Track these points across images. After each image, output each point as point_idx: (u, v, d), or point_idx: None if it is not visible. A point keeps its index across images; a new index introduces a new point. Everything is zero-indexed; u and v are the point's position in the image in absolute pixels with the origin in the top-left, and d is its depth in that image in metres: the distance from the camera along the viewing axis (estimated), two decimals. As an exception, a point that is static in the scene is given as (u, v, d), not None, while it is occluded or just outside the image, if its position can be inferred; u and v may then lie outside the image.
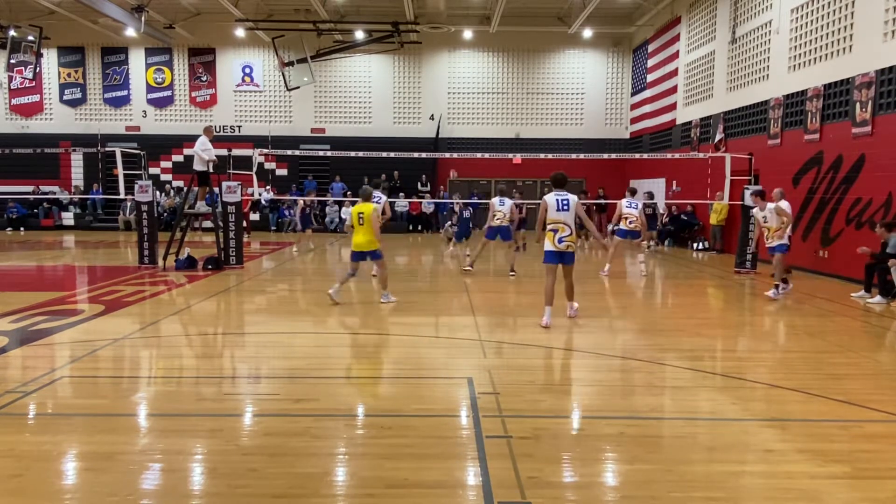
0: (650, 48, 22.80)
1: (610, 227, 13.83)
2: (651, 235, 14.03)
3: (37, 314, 8.46)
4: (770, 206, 10.66)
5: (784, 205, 12.24)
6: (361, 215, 9.41)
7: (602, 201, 21.91)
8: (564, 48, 25.03)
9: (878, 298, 9.79)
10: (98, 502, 3.54)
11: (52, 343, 7.01)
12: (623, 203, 12.80)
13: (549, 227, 7.87)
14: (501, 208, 12.04)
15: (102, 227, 24.08)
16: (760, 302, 10.37)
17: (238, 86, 25.36)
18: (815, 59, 13.24)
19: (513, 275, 12.20)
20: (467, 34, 24.09)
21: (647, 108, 23.19)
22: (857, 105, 11.74)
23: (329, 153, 21.35)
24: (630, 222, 12.55)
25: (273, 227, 23.97)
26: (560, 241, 7.86)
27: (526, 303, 9.89)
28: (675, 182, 20.18)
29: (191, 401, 5.25)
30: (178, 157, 25.08)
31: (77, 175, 25.57)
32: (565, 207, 7.94)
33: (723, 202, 15.59)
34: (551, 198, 8.01)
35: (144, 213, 13.16)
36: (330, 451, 4.26)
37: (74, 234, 22.42)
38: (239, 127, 25.31)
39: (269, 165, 25.16)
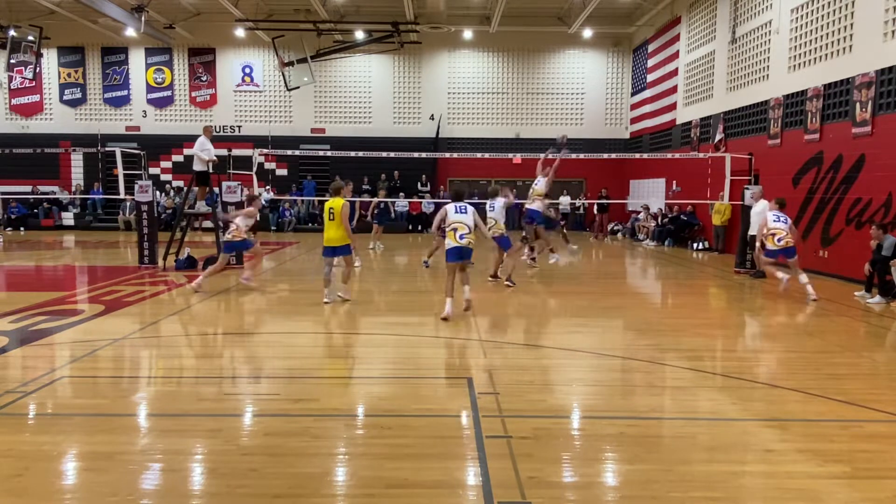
0: (650, 48, 22.80)
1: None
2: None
3: (37, 314, 8.46)
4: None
5: (758, 209, 12.27)
6: (332, 210, 9.36)
7: (604, 202, 21.91)
8: (564, 48, 25.03)
9: (877, 298, 9.79)
10: (98, 502, 3.54)
11: (52, 343, 7.01)
12: (770, 216, 10.45)
13: (449, 227, 8.69)
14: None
15: (102, 227, 24.09)
16: (761, 302, 10.37)
17: (238, 86, 25.36)
18: (815, 59, 13.24)
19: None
20: (467, 34, 24.10)
21: (647, 108, 23.19)
22: (857, 105, 11.74)
23: (329, 153, 21.36)
24: (779, 239, 10.13)
25: (273, 227, 23.98)
26: (461, 237, 8.61)
27: (526, 303, 9.90)
28: (675, 182, 20.19)
29: (191, 401, 5.25)
30: (178, 157, 25.09)
31: (77, 175, 25.58)
32: (463, 211, 8.81)
33: (725, 203, 15.59)
34: (450, 206, 8.87)
35: (144, 213, 13.16)
36: (330, 451, 4.26)
37: (74, 234, 22.43)
38: (239, 127, 25.31)
39: (269, 165, 25.17)
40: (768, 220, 10.36)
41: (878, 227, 10.07)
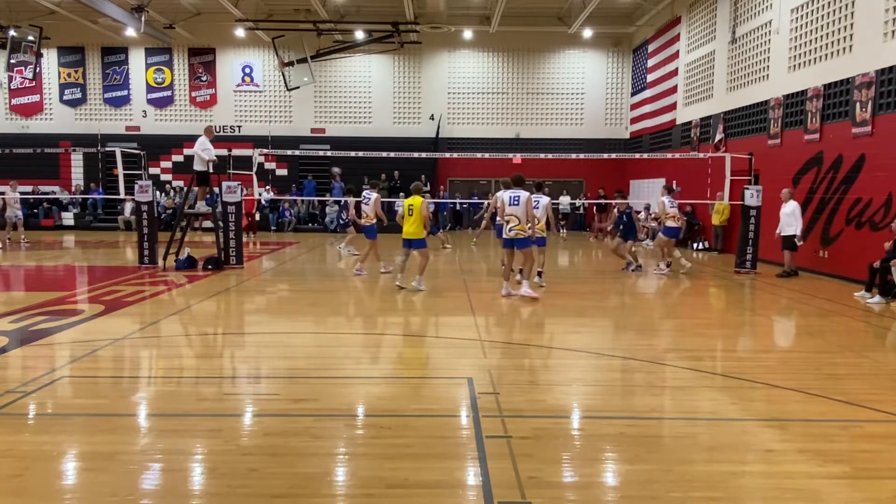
0: (650, 48, 22.80)
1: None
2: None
3: (37, 314, 8.46)
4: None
5: (787, 209, 12.40)
6: (411, 207, 10.43)
7: (603, 201, 21.91)
8: (564, 48, 25.03)
9: (877, 298, 9.79)
10: (98, 502, 3.54)
11: (52, 343, 7.01)
12: (666, 201, 12.77)
13: (503, 218, 9.79)
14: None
15: (102, 227, 24.09)
16: (761, 302, 10.38)
17: (238, 86, 25.36)
18: (815, 59, 13.24)
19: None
20: (467, 34, 24.10)
21: (647, 108, 23.18)
22: (857, 105, 11.74)
23: (329, 153, 21.36)
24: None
25: (273, 227, 23.98)
26: (510, 229, 9.75)
27: (526, 303, 9.89)
28: (675, 182, 20.18)
29: (191, 401, 5.25)
30: (178, 157, 25.09)
31: (77, 175, 25.57)
32: (515, 202, 9.67)
33: (724, 202, 15.58)
34: (505, 195, 9.76)
35: (144, 213, 13.15)
36: (330, 451, 4.26)
37: (74, 234, 22.43)
38: (239, 127, 25.31)
39: (269, 165, 25.17)
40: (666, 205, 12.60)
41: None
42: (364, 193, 13.03)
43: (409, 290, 10.48)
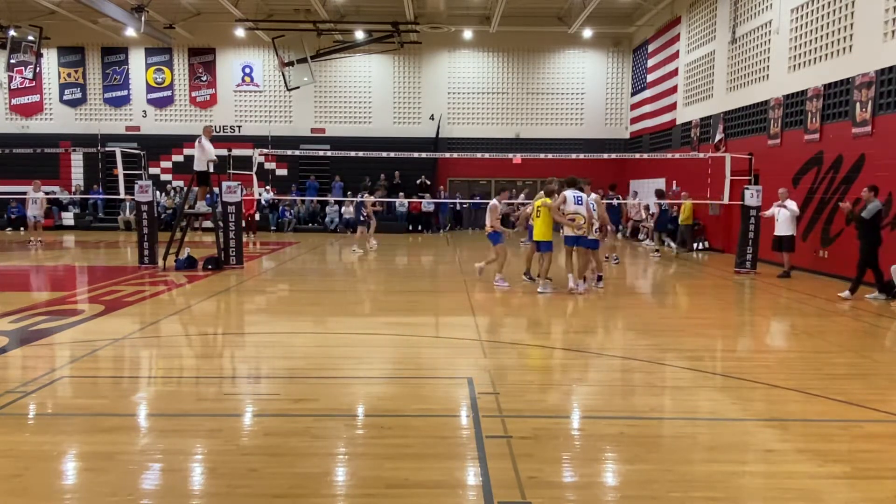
0: (650, 48, 22.80)
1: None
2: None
3: (37, 314, 8.46)
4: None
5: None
6: (539, 209, 10.53)
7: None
8: (564, 48, 25.03)
9: (875, 294, 9.83)
10: (98, 502, 3.54)
11: (52, 343, 7.01)
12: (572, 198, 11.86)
13: (568, 216, 10.14)
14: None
15: (102, 227, 24.09)
16: (761, 302, 10.37)
17: (238, 86, 25.36)
18: (815, 59, 13.24)
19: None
20: (467, 34, 24.10)
21: (647, 108, 23.18)
22: (857, 105, 11.74)
23: (329, 153, 21.36)
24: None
25: (273, 227, 23.98)
26: (578, 227, 10.16)
27: (526, 303, 9.89)
28: (675, 182, 20.18)
29: (191, 401, 5.25)
30: (178, 157, 25.10)
31: (77, 175, 25.57)
32: (580, 202, 10.17)
33: (688, 202, 15.72)
34: (569, 194, 10.19)
35: (144, 213, 13.15)
36: (330, 451, 4.26)
37: (74, 234, 22.43)
38: (239, 127, 25.31)
39: (269, 165, 25.18)
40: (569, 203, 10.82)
41: (870, 190, 10.06)
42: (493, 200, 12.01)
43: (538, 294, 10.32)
